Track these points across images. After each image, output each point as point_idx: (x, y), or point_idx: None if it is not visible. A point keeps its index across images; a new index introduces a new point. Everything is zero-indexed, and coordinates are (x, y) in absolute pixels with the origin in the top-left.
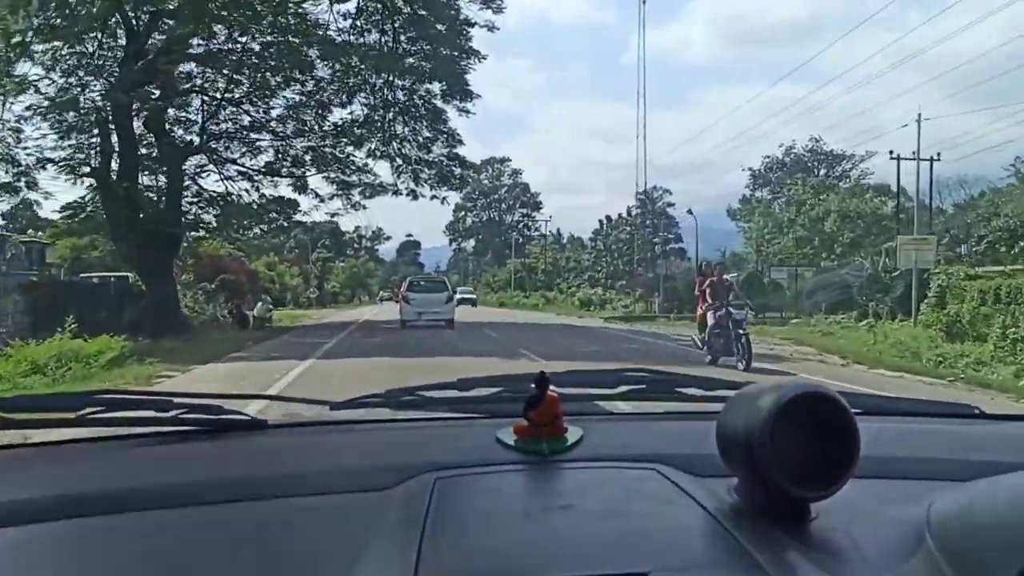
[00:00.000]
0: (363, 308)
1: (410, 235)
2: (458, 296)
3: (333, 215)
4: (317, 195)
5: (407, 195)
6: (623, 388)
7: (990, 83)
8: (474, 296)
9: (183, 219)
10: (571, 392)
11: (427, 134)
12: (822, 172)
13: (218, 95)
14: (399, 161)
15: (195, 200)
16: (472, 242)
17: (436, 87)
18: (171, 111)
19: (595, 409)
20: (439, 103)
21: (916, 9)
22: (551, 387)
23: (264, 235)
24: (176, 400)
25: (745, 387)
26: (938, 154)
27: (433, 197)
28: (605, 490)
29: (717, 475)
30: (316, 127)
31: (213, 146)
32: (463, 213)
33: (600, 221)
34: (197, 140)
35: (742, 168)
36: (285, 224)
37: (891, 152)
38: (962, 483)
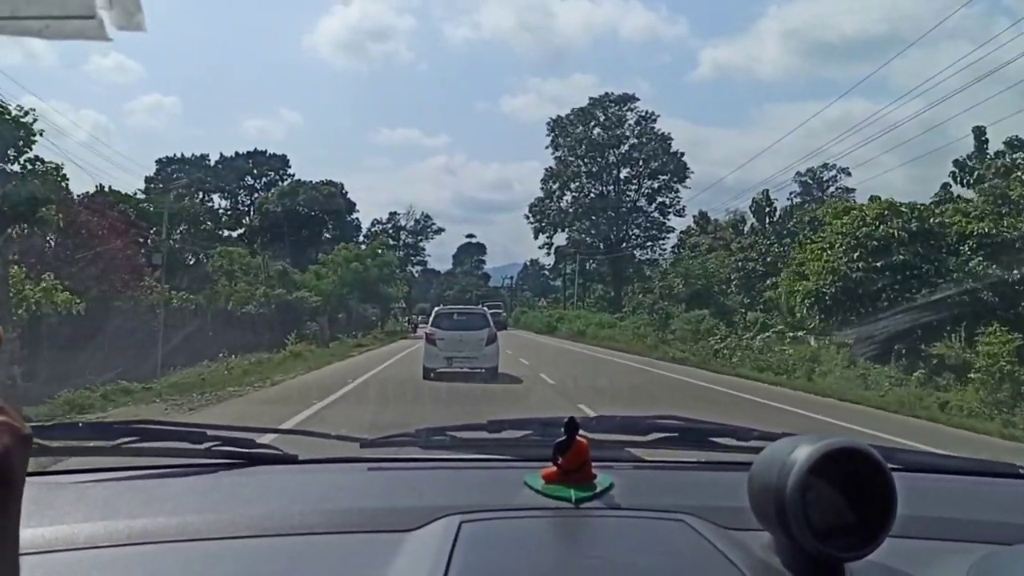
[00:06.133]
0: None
1: (471, 236)
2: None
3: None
4: None
5: None
6: (654, 436)
7: None
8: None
9: None
10: (601, 438)
11: None
12: None
13: None
14: None
15: None
16: (567, 233)
17: None
18: None
19: (625, 456)
20: None
21: None
22: (581, 432)
23: None
24: (210, 432)
25: (779, 440)
26: None
27: None
28: (631, 541)
29: (749, 529)
30: None
31: None
32: (557, 185)
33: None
34: None
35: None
36: None
37: None
38: (1001, 547)
